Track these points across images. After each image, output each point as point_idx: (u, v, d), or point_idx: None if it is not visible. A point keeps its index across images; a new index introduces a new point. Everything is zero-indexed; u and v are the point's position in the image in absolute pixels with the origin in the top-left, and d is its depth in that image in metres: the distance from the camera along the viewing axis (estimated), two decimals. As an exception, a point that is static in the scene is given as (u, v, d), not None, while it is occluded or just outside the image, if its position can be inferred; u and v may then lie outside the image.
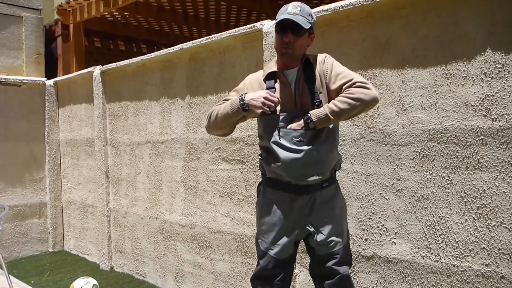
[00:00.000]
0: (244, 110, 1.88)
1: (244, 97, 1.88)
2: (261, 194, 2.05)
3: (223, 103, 2.00)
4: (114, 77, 4.24)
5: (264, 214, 2.02)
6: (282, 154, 1.85)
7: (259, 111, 1.83)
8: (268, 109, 1.82)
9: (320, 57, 1.95)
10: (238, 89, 2.06)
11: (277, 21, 1.86)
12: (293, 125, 1.84)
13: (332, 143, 1.90)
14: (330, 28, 2.50)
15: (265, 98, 1.82)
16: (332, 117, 1.79)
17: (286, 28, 1.85)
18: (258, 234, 2.06)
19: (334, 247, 1.93)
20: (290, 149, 1.84)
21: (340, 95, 1.81)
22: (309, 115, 1.82)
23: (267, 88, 1.93)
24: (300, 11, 1.86)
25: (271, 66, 1.99)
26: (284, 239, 1.96)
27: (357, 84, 1.80)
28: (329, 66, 1.90)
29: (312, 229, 1.92)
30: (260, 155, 2.02)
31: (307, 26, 1.84)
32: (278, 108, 1.89)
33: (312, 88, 1.89)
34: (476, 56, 2.00)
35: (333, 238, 1.92)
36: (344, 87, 1.82)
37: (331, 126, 1.88)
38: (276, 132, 1.87)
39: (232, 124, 2.00)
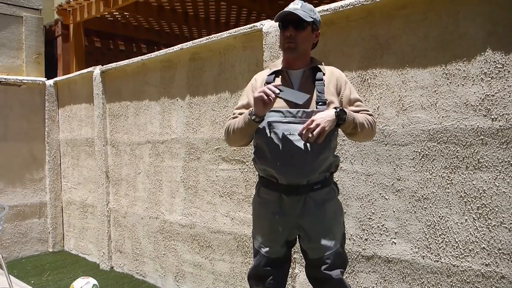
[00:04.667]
0: (255, 121, 1.83)
1: (252, 110, 1.85)
2: (256, 193, 2.07)
3: (235, 117, 1.99)
4: (114, 77, 4.24)
5: (256, 212, 2.05)
6: (268, 147, 1.88)
7: (261, 104, 1.76)
8: (267, 98, 1.74)
9: (336, 71, 2.00)
10: (247, 90, 2.06)
11: (277, 16, 1.89)
12: (319, 115, 1.78)
13: (325, 144, 1.87)
14: (330, 28, 2.50)
15: (263, 90, 1.76)
16: (353, 120, 1.84)
17: (288, 23, 1.88)
18: (252, 232, 2.09)
19: (325, 252, 1.92)
20: (276, 142, 1.86)
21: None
22: (341, 107, 1.85)
23: (266, 83, 1.95)
24: (301, 6, 1.89)
25: (277, 64, 2.01)
26: (274, 238, 1.97)
27: (373, 117, 1.98)
28: (347, 87, 1.97)
29: (301, 232, 1.93)
30: (253, 153, 2.03)
31: (308, 19, 1.86)
32: (274, 104, 1.85)
33: (320, 90, 1.90)
34: (476, 56, 2.01)
35: (324, 243, 1.91)
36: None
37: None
38: (267, 126, 1.89)
39: (250, 135, 1.98)
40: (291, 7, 1.89)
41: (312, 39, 1.96)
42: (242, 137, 1.98)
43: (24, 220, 4.95)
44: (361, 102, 1.99)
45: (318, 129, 1.73)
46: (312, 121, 1.75)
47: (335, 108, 1.82)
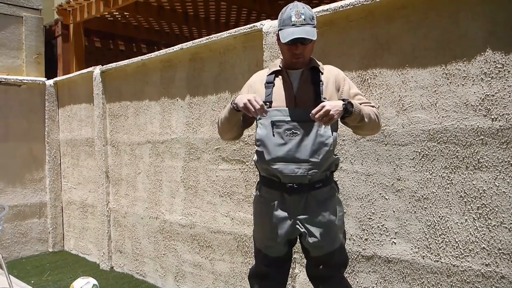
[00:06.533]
0: (235, 109, 1.91)
1: (235, 97, 1.94)
2: (257, 192, 2.08)
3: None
4: (114, 77, 4.24)
5: (258, 211, 2.06)
6: (271, 146, 1.89)
7: (245, 109, 1.84)
8: (249, 110, 1.81)
9: (334, 69, 2.00)
10: (243, 90, 2.11)
11: (288, 39, 1.82)
12: (329, 102, 1.79)
13: (326, 143, 1.88)
14: (330, 28, 2.50)
15: (249, 100, 1.81)
16: (359, 112, 1.83)
17: (296, 40, 1.85)
18: (253, 231, 2.10)
19: (326, 250, 1.93)
20: (279, 141, 1.88)
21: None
22: (349, 100, 1.83)
23: (266, 82, 1.97)
24: (304, 19, 1.83)
25: (277, 63, 2.02)
26: (276, 237, 1.97)
27: (376, 109, 1.96)
28: (346, 83, 1.97)
29: (303, 230, 1.93)
30: (255, 152, 2.04)
31: (315, 36, 1.85)
32: (275, 104, 1.91)
33: (317, 90, 1.91)
34: (476, 56, 2.01)
35: (325, 241, 1.92)
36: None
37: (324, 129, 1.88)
38: (270, 125, 1.90)
39: (235, 125, 2.03)
40: (295, 21, 1.83)
41: (314, 42, 1.96)
42: (229, 127, 2.04)
43: (24, 220, 4.95)
44: (362, 96, 1.99)
45: (326, 115, 1.73)
46: (323, 106, 1.75)
47: (343, 100, 1.82)
